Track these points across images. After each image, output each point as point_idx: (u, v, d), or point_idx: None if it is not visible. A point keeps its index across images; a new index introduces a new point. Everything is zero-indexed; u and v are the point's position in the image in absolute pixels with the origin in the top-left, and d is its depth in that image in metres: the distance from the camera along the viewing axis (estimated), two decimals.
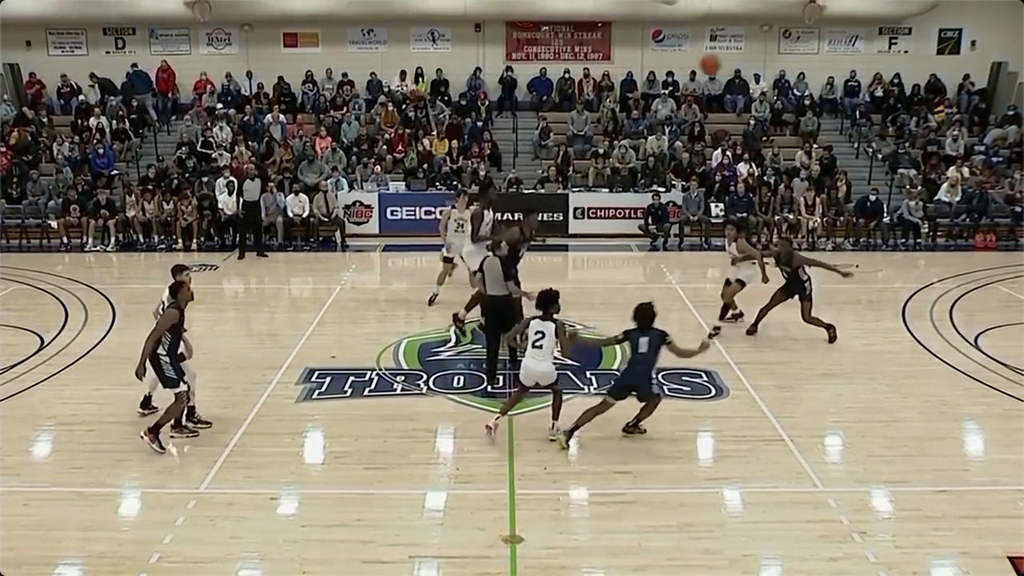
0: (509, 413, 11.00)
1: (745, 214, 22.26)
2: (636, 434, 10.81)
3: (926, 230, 22.72)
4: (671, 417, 11.51)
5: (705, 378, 12.73)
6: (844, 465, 10.41)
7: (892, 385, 12.72)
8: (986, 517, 8.96)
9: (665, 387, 12.38)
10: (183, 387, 10.26)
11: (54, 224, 22.54)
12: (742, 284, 14.91)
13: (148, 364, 10.11)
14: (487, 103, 27.00)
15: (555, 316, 10.56)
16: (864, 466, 10.22)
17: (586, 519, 9.10)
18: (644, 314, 10.46)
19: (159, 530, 8.59)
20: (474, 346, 13.98)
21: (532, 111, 27.12)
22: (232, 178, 22.13)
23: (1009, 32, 27.09)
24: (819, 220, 22.39)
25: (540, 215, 22.74)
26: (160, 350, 10.08)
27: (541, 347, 10.41)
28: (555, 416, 10.81)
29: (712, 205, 22.90)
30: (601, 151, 24.95)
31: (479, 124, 25.99)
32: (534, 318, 10.58)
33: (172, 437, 10.62)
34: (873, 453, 10.53)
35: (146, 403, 11.23)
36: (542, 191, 23.75)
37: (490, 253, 12.89)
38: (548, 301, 10.50)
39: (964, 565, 8.14)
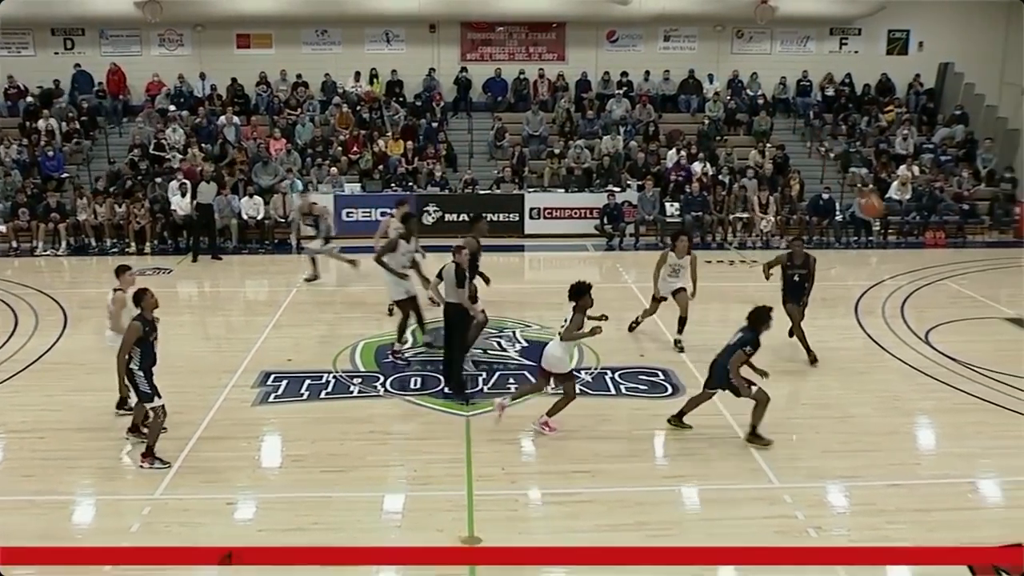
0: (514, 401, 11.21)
1: (700, 213, 22.43)
2: (759, 443, 10.62)
3: (877, 228, 23.00)
4: (628, 416, 11.60)
5: (662, 376, 12.82)
6: (799, 461, 10.52)
7: (845, 381, 12.90)
8: (937, 510, 9.13)
9: (622, 386, 12.49)
10: (158, 401, 9.97)
11: (3, 228, 22.17)
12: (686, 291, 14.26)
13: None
14: (442, 104, 26.95)
15: (586, 309, 10.71)
16: (819, 462, 10.35)
17: (544, 519, 9.13)
18: (756, 314, 10.65)
19: (113, 538, 8.50)
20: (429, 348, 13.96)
21: (487, 112, 27.11)
22: (185, 180, 21.94)
23: (955, 33, 27.60)
24: (773, 219, 22.59)
25: (496, 216, 22.98)
26: (132, 364, 9.78)
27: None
28: (550, 412, 10.91)
29: (667, 205, 23.03)
30: (556, 151, 25.01)
31: (434, 125, 25.95)
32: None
33: (126, 439, 10.50)
34: (828, 449, 10.67)
35: (121, 404, 11.03)
36: (498, 192, 23.77)
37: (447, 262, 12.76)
38: (577, 292, 10.70)
39: None
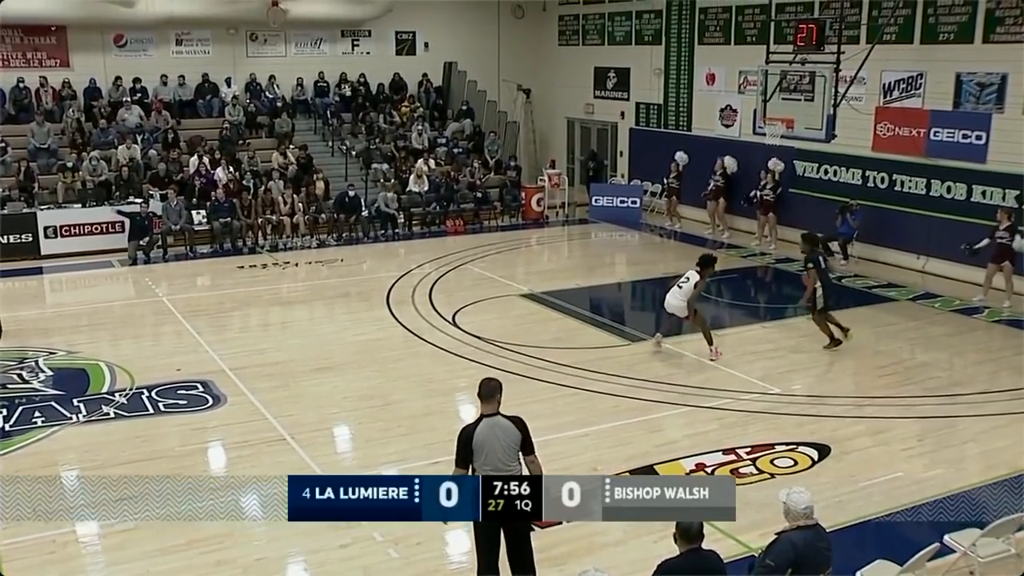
0: None
1: (228, 219, 22.11)
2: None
3: (402, 220, 24.09)
4: (174, 433, 11.26)
5: (202, 389, 12.53)
6: (346, 453, 10.86)
7: (384, 371, 13.41)
8: None
9: (160, 404, 12.07)
10: None
11: None
12: None
13: None
14: None
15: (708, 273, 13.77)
16: (365, 451, 10.76)
17: (88, 555, 8.61)
18: (811, 238, 14.42)
19: None
20: None
21: None
22: None
23: (456, 35, 29.61)
24: (302, 219, 22.85)
25: (6, 238, 21.14)
26: None
27: (681, 288, 13.48)
28: (710, 342, 13.72)
29: (194, 213, 22.43)
30: (69, 164, 23.38)
31: None
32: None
33: None
34: (372, 437, 11.10)
35: None
36: (6, 212, 21.77)
37: None
38: (706, 262, 13.64)
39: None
